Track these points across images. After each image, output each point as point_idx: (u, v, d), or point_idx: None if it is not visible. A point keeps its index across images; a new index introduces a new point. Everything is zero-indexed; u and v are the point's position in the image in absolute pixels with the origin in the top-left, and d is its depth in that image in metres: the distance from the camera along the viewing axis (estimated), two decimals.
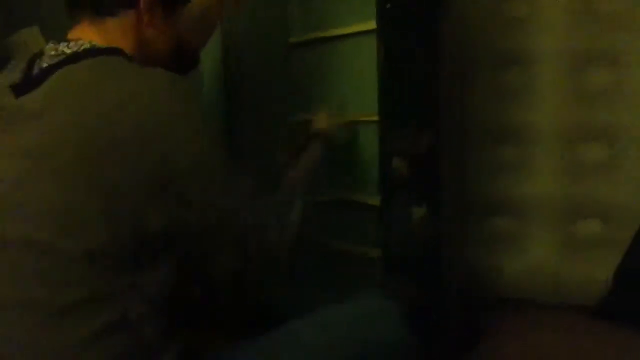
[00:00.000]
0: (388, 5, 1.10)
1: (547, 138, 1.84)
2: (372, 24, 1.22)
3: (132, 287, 0.74)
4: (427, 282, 1.36)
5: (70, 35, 0.88)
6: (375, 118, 1.28)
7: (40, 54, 0.83)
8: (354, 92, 1.40)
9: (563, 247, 1.88)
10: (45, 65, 0.80)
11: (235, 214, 0.84)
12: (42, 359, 0.70)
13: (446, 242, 1.39)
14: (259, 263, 0.89)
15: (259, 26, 1.85)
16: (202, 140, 0.80)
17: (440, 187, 1.28)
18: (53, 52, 0.82)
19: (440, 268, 1.38)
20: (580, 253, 1.87)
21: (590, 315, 1.80)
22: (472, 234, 1.96)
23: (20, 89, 0.80)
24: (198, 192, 0.78)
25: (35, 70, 0.81)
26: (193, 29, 0.99)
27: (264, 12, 1.82)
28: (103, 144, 0.71)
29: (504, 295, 1.94)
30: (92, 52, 0.82)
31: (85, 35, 0.87)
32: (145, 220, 0.73)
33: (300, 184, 1.09)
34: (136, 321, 0.74)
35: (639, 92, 1.73)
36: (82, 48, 0.82)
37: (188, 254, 0.83)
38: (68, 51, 0.81)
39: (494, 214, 1.94)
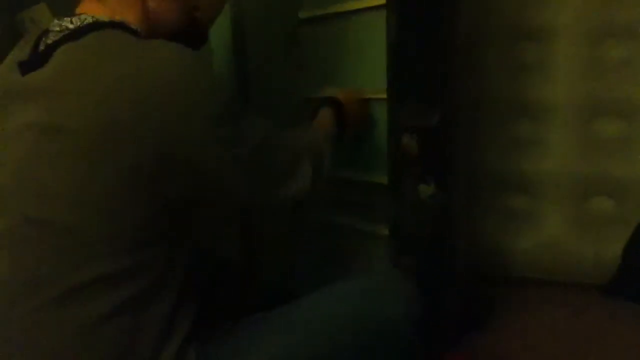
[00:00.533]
0: None
1: (562, 113, 1.81)
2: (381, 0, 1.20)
3: (145, 265, 0.74)
4: (436, 259, 1.36)
5: (77, 10, 0.86)
6: (384, 95, 1.26)
7: (47, 31, 0.82)
8: (363, 68, 1.38)
9: (576, 225, 1.87)
10: (49, 41, 0.79)
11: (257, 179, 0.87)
12: (51, 337, 0.71)
13: (455, 220, 1.38)
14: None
15: (268, 1, 1.83)
16: (215, 106, 0.79)
17: (450, 164, 1.27)
18: (57, 28, 0.81)
19: (449, 245, 1.38)
20: (593, 230, 1.85)
21: (602, 293, 1.80)
22: (484, 210, 1.95)
23: (26, 66, 0.79)
24: (215, 161, 0.78)
25: (41, 47, 0.80)
26: (202, 1, 0.97)
27: None
28: (114, 121, 0.70)
29: (516, 272, 1.94)
30: (94, 26, 0.80)
31: (90, 9, 0.85)
32: (163, 193, 0.74)
33: (325, 138, 1.11)
34: (148, 301, 0.75)
35: None
36: (84, 22, 0.81)
37: (207, 226, 0.85)
38: (71, 26, 0.80)
39: (507, 191, 1.92)
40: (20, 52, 0.83)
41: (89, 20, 0.81)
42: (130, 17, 0.86)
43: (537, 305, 1.78)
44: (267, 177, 0.90)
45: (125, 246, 0.72)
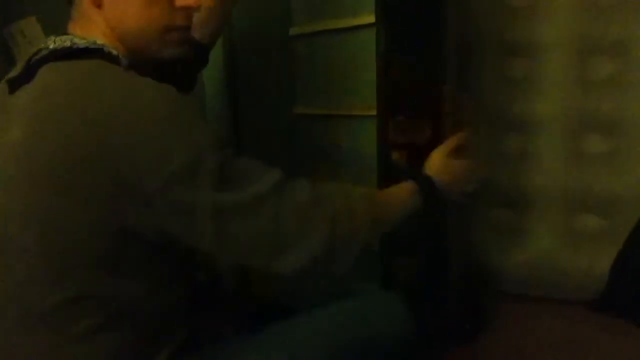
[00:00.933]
0: None
1: (550, 129, 1.82)
2: (371, 18, 1.20)
3: (118, 289, 0.73)
4: (429, 272, 1.36)
5: (68, 28, 0.85)
6: (374, 112, 1.26)
7: (39, 49, 0.81)
8: (353, 85, 1.38)
9: (565, 240, 1.87)
10: (38, 57, 0.79)
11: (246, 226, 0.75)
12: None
13: (447, 234, 1.38)
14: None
15: (261, 17, 1.84)
16: (193, 147, 0.71)
17: None
18: (43, 46, 0.80)
19: (442, 259, 1.38)
20: (582, 246, 1.85)
21: (591, 308, 1.80)
22: (474, 225, 1.95)
23: (14, 84, 0.79)
24: (195, 201, 0.71)
25: (31, 63, 0.79)
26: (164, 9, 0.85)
27: (266, 3, 1.81)
28: (79, 156, 0.68)
29: (505, 287, 1.93)
30: (67, 53, 0.78)
31: (73, 27, 0.84)
32: (129, 228, 0.70)
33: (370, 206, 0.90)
34: (123, 322, 0.74)
35: None
36: (61, 46, 0.79)
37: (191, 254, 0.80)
38: (51, 47, 0.79)
39: (496, 206, 1.93)
40: (16, 68, 0.83)
41: (67, 43, 0.79)
42: (101, 37, 0.82)
43: (526, 321, 1.78)
44: (258, 238, 0.77)
45: (92, 274, 0.71)
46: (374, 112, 1.24)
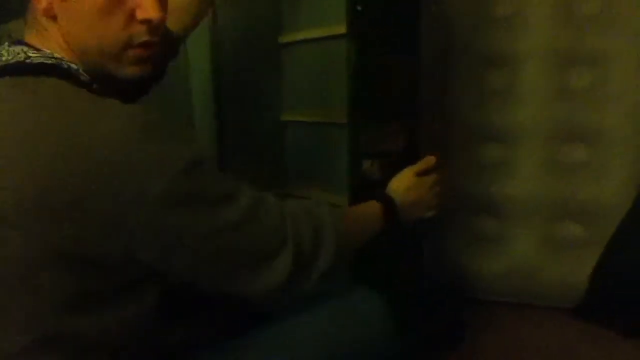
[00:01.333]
0: (359, 8, 1.09)
1: (529, 138, 1.84)
2: (342, 28, 1.21)
3: (91, 326, 0.70)
4: (403, 282, 1.36)
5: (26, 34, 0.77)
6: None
7: None
8: (327, 93, 1.39)
9: (544, 248, 1.89)
10: None
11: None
12: None
13: (421, 244, 1.38)
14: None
15: (250, 24, 1.85)
16: (169, 171, 0.66)
17: None
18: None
19: (416, 269, 1.39)
20: (561, 254, 1.87)
21: (570, 316, 1.82)
22: (454, 233, 1.96)
23: None
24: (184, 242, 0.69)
25: None
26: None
27: (255, 11, 1.83)
28: (39, 191, 0.63)
29: (485, 295, 1.95)
30: (19, 69, 0.71)
31: (29, 34, 0.76)
32: (106, 258, 0.67)
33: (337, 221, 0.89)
34: (97, 355, 0.71)
35: (620, 92, 1.74)
36: (14, 60, 0.72)
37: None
38: (3, 58, 0.73)
39: (477, 214, 1.94)
40: None
41: (20, 57, 0.72)
42: (58, 48, 0.75)
43: (505, 328, 1.79)
44: (240, 258, 0.75)
45: (62, 313, 0.67)
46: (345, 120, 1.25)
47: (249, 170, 1.83)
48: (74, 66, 0.74)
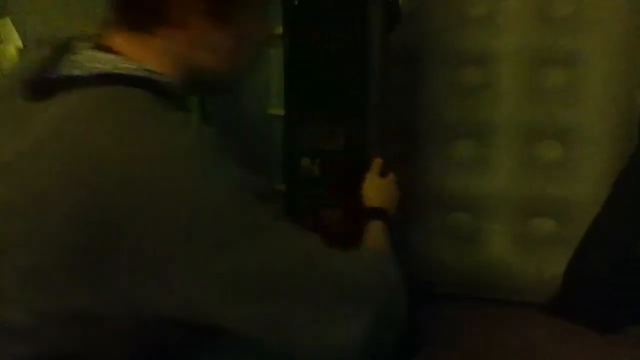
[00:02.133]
0: (295, 2, 1.11)
1: (504, 136, 1.87)
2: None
3: None
4: None
5: (103, 37, 0.72)
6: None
7: (61, 52, 0.71)
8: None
9: (518, 244, 1.92)
10: (62, 73, 0.68)
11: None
12: None
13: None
14: None
15: None
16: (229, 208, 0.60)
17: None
18: (72, 58, 0.69)
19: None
20: (535, 250, 1.90)
21: (543, 311, 1.84)
22: (428, 229, 2.00)
23: (33, 90, 0.68)
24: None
25: (51, 74, 0.68)
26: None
27: None
28: (87, 210, 0.57)
29: (459, 290, 1.98)
30: (113, 80, 0.66)
31: (118, 43, 0.71)
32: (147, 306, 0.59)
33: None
34: None
35: (593, 91, 1.76)
36: (103, 70, 0.67)
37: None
38: (87, 64, 0.68)
39: (451, 210, 1.98)
40: (25, 67, 0.73)
41: (109, 67, 0.67)
42: (164, 64, 0.71)
43: (479, 323, 1.82)
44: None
45: None
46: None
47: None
48: (166, 80, 0.70)
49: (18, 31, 1.56)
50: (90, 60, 0.68)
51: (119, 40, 0.71)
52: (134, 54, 0.70)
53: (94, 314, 0.59)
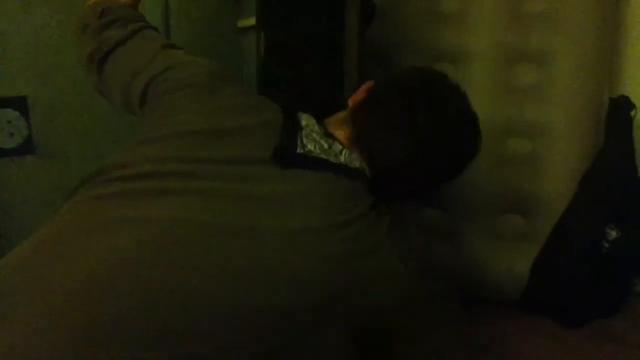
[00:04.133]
0: None
1: None
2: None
3: None
4: None
5: (331, 124, 0.85)
6: None
7: (302, 128, 0.80)
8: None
9: (486, 240, 1.92)
10: (312, 151, 0.77)
11: None
12: None
13: None
14: None
15: (206, 7, 1.86)
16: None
17: None
18: (317, 139, 0.79)
19: None
20: (503, 247, 1.91)
21: (511, 308, 1.86)
22: None
23: (285, 159, 0.75)
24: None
25: (299, 149, 0.76)
26: None
27: None
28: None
29: None
30: (361, 178, 0.79)
31: (342, 132, 0.84)
32: None
33: None
34: None
35: (564, 89, 1.78)
36: (352, 165, 0.79)
37: None
38: (341, 158, 0.79)
39: (420, 207, 1.98)
40: (269, 132, 0.79)
41: (356, 164, 0.80)
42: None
43: None
44: None
45: None
46: None
47: None
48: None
49: None
50: (332, 149, 0.77)
51: (340, 125, 0.84)
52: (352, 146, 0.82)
53: None
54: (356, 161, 0.80)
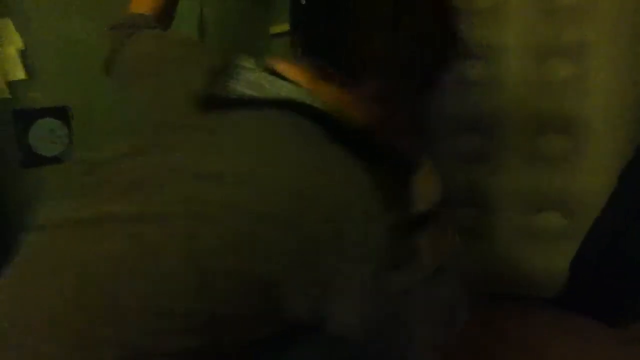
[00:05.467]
0: (303, 2, 1.10)
1: (509, 129, 1.85)
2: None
3: None
4: None
5: (274, 61, 0.77)
6: None
7: (233, 68, 0.74)
8: None
9: (524, 238, 1.90)
10: (237, 90, 0.71)
11: None
12: None
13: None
14: None
15: (240, 15, 1.89)
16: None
17: None
18: (251, 78, 0.72)
19: None
20: (541, 244, 1.89)
21: (550, 306, 1.83)
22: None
23: (208, 103, 0.71)
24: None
25: (222, 91, 0.71)
26: None
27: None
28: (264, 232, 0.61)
29: (464, 286, 1.96)
30: (295, 109, 0.69)
31: (293, 72, 0.75)
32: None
33: None
34: None
35: (600, 83, 1.74)
36: (283, 95, 0.70)
37: None
38: (267, 86, 0.71)
39: (457, 205, 1.96)
40: (192, 76, 0.76)
41: (291, 94, 0.70)
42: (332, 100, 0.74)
43: (486, 319, 1.79)
44: None
45: None
46: None
47: None
48: (343, 120, 0.74)
49: (20, 32, 1.54)
50: (269, 83, 0.71)
51: (293, 71, 0.74)
52: (305, 81, 0.73)
53: None
54: None
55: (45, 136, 1.56)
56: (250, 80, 0.71)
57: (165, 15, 1.19)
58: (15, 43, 1.53)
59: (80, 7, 1.59)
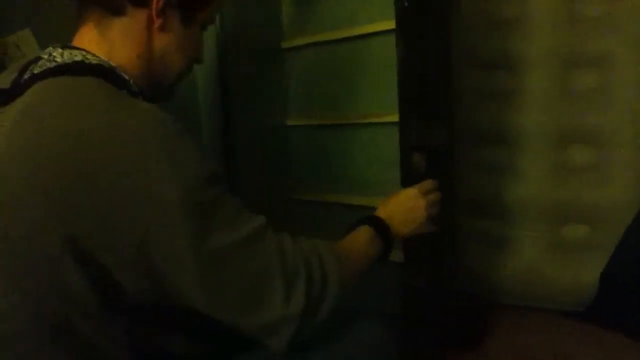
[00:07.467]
0: (406, 4, 1.09)
1: (535, 141, 1.84)
2: (387, 24, 1.22)
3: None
4: (432, 280, 1.35)
5: (75, 39, 0.81)
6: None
7: (38, 58, 0.77)
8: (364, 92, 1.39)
9: (551, 251, 1.88)
10: (36, 71, 0.73)
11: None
12: None
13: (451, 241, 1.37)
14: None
15: (253, 31, 1.85)
16: (185, 182, 0.65)
17: (453, 182, 1.25)
18: (46, 57, 0.75)
19: (444, 266, 1.37)
20: (568, 257, 1.86)
21: (579, 319, 1.80)
22: (461, 237, 1.96)
23: (5, 96, 0.73)
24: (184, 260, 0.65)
25: (26, 76, 0.74)
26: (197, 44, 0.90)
27: (258, 15, 1.82)
28: (60, 183, 0.63)
29: (492, 298, 1.94)
30: (79, 68, 0.72)
31: (86, 40, 0.79)
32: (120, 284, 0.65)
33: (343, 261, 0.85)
34: None
35: (625, 94, 1.74)
36: (72, 60, 0.74)
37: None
38: (59, 59, 0.74)
39: (484, 217, 1.94)
40: (6, 78, 0.78)
41: (78, 57, 0.74)
42: (127, 54, 0.80)
43: (513, 331, 1.78)
44: (233, 289, 0.70)
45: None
46: (389, 119, 1.26)
47: (255, 174, 1.82)
48: (125, 76, 0.79)
49: (39, 43, 1.49)
50: (61, 56, 0.74)
51: (86, 39, 0.79)
52: (97, 47, 0.78)
53: None
54: None
55: None
56: (45, 59, 0.75)
57: None
58: (35, 53, 1.41)
59: None
